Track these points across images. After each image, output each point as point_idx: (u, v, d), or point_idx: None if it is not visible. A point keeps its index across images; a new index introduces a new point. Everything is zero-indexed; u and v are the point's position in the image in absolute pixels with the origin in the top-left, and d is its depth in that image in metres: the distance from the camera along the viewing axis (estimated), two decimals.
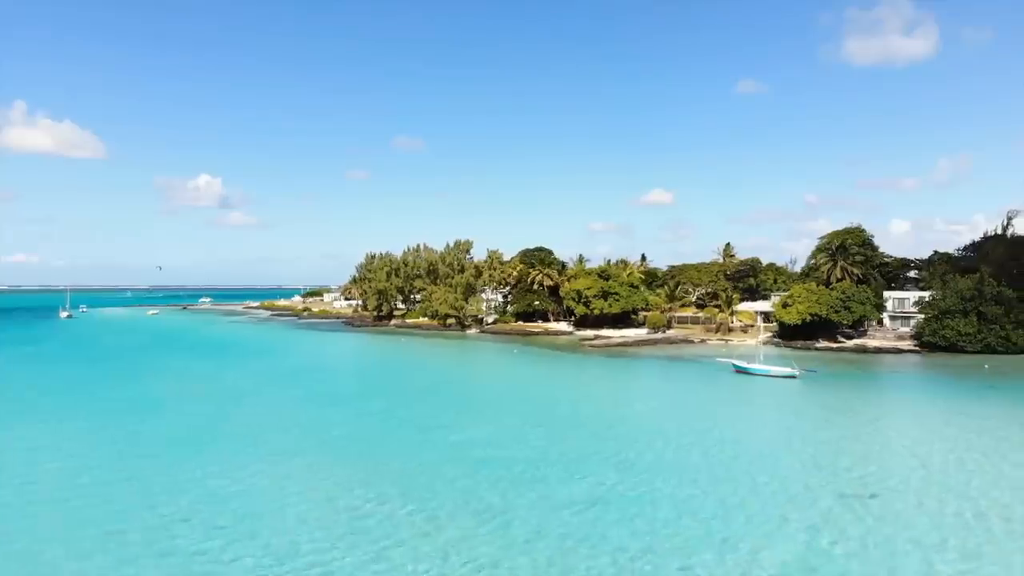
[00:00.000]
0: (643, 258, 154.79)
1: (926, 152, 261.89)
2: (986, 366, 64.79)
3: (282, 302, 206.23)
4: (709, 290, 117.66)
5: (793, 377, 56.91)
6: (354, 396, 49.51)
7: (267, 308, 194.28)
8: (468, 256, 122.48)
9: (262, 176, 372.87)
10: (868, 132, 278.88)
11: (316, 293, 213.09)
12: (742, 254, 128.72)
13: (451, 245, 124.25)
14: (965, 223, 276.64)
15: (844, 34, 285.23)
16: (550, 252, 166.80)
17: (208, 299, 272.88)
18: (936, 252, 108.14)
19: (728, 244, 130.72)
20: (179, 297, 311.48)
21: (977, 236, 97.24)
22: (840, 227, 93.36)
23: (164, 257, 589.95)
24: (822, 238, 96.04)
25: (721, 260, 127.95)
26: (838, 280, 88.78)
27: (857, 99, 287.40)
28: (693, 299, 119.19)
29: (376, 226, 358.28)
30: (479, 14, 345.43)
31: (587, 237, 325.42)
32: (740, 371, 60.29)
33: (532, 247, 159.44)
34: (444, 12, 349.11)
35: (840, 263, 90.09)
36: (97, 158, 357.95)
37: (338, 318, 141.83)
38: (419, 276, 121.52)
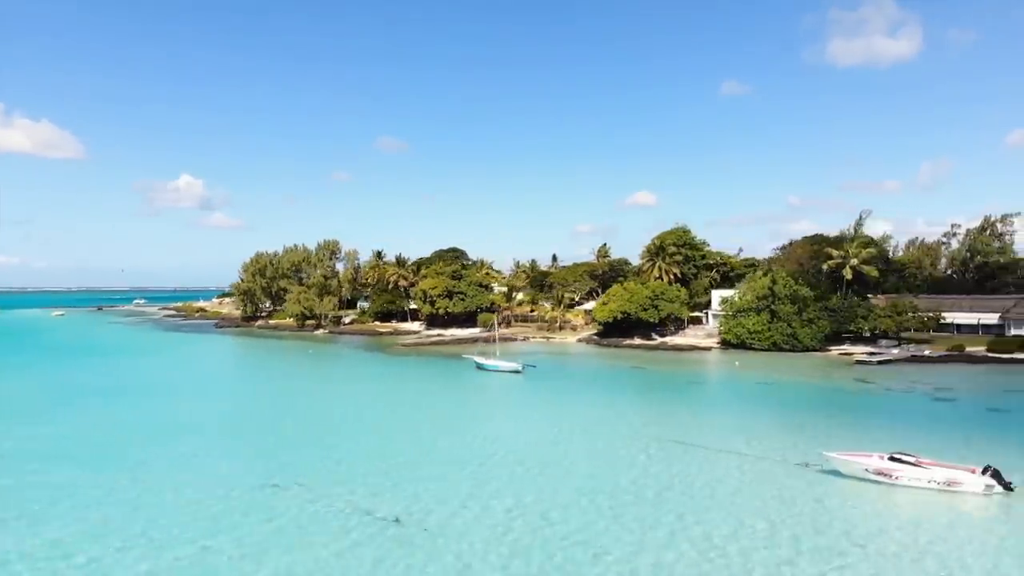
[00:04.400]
0: (554, 258, 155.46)
1: (909, 154, 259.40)
2: (736, 363, 65.44)
3: (200, 303, 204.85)
4: (576, 291, 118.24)
5: (518, 372, 57.35)
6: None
7: (178, 310, 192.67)
8: (335, 256, 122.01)
9: (245, 177, 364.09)
10: (851, 134, 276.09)
11: (230, 294, 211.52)
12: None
13: (320, 244, 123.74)
14: (946, 225, 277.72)
15: (828, 35, 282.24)
16: (463, 252, 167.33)
17: (142, 300, 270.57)
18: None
19: (604, 244, 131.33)
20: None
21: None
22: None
23: (147, 259, 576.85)
24: (654, 239, 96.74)
25: (595, 260, 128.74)
26: (656, 279, 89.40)
27: (841, 100, 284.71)
28: (577, 298, 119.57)
29: (361, 228, 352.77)
30: (462, 16, 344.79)
31: (572, 239, 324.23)
32: (480, 368, 60.47)
33: (446, 247, 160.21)
34: (427, 14, 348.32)
35: (658, 263, 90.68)
36: (75, 158, 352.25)
37: (221, 319, 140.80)
38: (286, 276, 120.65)
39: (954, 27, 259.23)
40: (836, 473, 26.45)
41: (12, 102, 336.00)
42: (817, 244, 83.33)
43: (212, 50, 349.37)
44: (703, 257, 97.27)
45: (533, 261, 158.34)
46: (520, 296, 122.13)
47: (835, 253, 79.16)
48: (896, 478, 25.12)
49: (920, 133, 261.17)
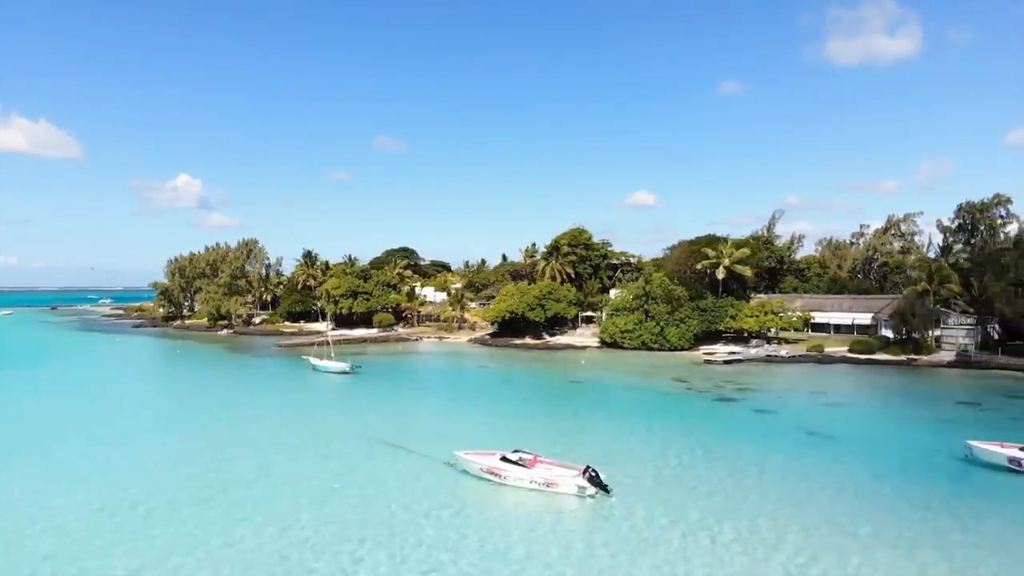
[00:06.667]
0: (504, 258, 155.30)
1: (908, 154, 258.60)
2: (583, 361, 65.17)
3: (150, 304, 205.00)
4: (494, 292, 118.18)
5: (347, 373, 57.38)
6: None
7: (125, 310, 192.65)
8: (251, 255, 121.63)
9: (243, 177, 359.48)
10: (851, 133, 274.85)
11: None
12: None
13: (240, 243, 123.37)
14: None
15: (827, 34, 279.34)
16: (413, 251, 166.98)
17: (108, 300, 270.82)
18: None
19: (532, 244, 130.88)
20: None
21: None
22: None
23: (144, 259, 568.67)
24: (554, 239, 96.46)
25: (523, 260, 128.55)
26: (551, 279, 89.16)
27: (840, 100, 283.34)
28: None
29: (360, 228, 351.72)
30: (461, 17, 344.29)
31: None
32: (315, 368, 60.40)
33: (396, 247, 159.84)
34: (427, 15, 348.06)
35: (551, 262, 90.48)
36: (73, 158, 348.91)
37: (145, 319, 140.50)
38: (204, 275, 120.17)
39: (954, 26, 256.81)
40: (464, 472, 26.27)
41: (10, 102, 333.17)
42: (696, 245, 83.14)
43: (210, 50, 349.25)
44: (604, 257, 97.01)
45: (483, 261, 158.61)
46: (442, 296, 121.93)
47: (710, 254, 78.99)
48: (504, 478, 24.94)
49: (919, 133, 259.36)
